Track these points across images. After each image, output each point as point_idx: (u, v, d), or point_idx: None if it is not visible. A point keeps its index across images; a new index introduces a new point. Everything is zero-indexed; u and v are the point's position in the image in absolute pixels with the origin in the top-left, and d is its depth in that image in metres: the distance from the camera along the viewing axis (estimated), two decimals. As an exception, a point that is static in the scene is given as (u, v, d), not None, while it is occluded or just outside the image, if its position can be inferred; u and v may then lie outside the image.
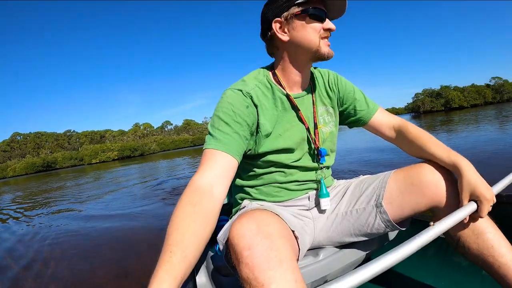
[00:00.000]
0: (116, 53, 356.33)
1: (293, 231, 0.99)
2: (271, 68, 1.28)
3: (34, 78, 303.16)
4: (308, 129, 1.25)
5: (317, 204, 1.31)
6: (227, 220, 1.25)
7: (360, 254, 1.27)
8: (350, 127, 1.45)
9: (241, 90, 1.14)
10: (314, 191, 1.30)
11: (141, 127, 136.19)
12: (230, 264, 0.97)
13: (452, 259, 1.54)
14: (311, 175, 1.28)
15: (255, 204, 1.23)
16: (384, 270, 0.70)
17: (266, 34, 1.21)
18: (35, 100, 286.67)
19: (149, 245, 3.37)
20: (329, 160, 1.33)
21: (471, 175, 1.02)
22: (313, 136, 1.26)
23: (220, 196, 0.97)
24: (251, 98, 1.14)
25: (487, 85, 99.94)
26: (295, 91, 1.25)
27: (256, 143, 1.18)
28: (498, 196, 1.12)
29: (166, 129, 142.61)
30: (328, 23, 1.15)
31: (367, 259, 1.33)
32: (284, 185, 1.25)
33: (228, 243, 0.90)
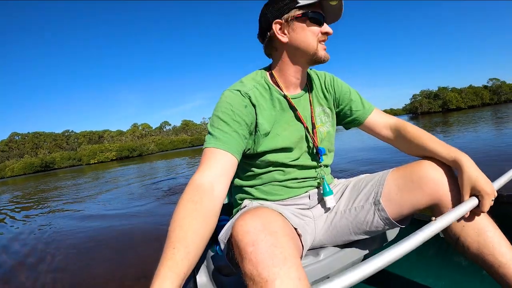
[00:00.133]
0: (114, 53, 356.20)
1: (295, 229, 0.99)
2: (269, 69, 1.30)
3: (33, 78, 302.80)
4: (306, 129, 1.27)
5: (318, 203, 1.32)
6: (228, 220, 1.25)
7: (361, 253, 1.27)
8: (347, 128, 1.46)
9: (239, 91, 1.17)
10: (314, 190, 1.31)
11: (140, 128, 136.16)
12: (233, 262, 0.97)
13: (452, 259, 1.53)
14: (310, 173, 1.29)
15: (256, 203, 1.24)
16: (387, 265, 0.69)
17: (265, 35, 1.23)
18: (33, 100, 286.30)
19: (148, 244, 3.40)
20: (327, 159, 1.35)
21: (472, 171, 1.02)
22: (311, 135, 1.28)
23: (220, 195, 0.98)
24: (249, 98, 1.16)
25: (485, 87, 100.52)
26: (292, 92, 1.28)
27: (254, 143, 1.19)
28: (498, 196, 1.10)
29: (164, 129, 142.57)
30: (326, 27, 1.18)
31: None
32: (283, 183, 1.25)
33: (231, 240, 0.91)
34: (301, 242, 1.01)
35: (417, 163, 1.16)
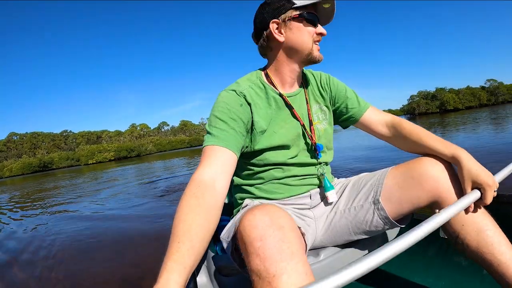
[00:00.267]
0: (113, 54, 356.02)
1: (299, 227, 0.98)
2: (264, 69, 1.33)
3: (31, 78, 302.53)
4: (303, 126, 1.28)
5: (319, 203, 1.32)
6: (228, 220, 1.25)
7: (361, 253, 1.27)
8: (343, 126, 1.47)
9: (234, 90, 1.19)
10: (316, 189, 1.31)
11: (138, 128, 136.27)
12: (236, 259, 0.99)
13: (452, 259, 1.54)
14: (310, 170, 1.30)
15: (257, 202, 1.25)
16: (390, 258, 0.69)
17: (261, 34, 1.25)
18: (31, 100, 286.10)
19: (148, 243, 3.43)
20: (326, 157, 1.36)
21: (471, 164, 1.03)
22: (309, 132, 1.29)
23: (222, 191, 0.98)
24: (245, 97, 1.18)
25: (482, 87, 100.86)
26: (288, 90, 1.30)
27: (251, 141, 1.21)
28: (499, 196, 1.10)
29: (162, 130, 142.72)
30: (320, 28, 1.22)
31: None
32: (282, 181, 1.26)
33: (236, 237, 0.92)
34: (305, 240, 1.00)
35: (417, 160, 1.17)
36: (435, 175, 1.09)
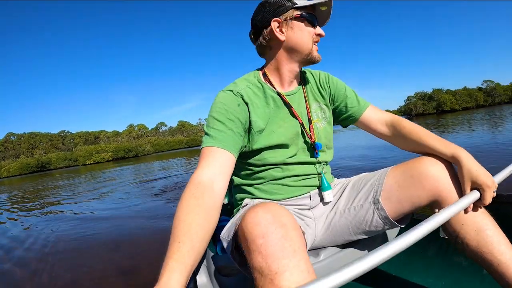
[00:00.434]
0: (111, 54, 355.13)
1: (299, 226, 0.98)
2: (261, 69, 1.33)
3: (29, 78, 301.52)
4: (302, 125, 1.27)
5: (319, 203, 1.32)
6: (228, 221, 1.24)
7: (361, 254, 1.26)
8: (343, 125, 1.47)
9: (231, 91, 1.20)
10: (315, 190, 1.30)
11: (136, 128, 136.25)
12: (237, 258, 0.99)
13: (452, 260, 1.54)
14: (309, 170, 1.29)
15: (257, 201, 1.25)
16: (391, 257, 0.68)
17: (260, 33, 1.25)
18: (29, 100, 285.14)
19: (145, 244, 3.43)
20: (326, 156, 1.35)
21: (471, 164, 1.03)
22: (308, 131, 1.28)
23: (220, 192, 1.00)
24: (242, 97, 1.19)
25: (479, 88, 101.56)
26: (286, 89, 1.29)
27: (250, 140, 1.21)
28: (498, 196, 1.12)
29: (160, 130, 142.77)
30: (319, 29, 1.24)
31: None
32: (282, 181, 1.25)
33: (237, 234, 0.93)
34: (305, 239, 1.00)
35: (417, 159, 1.17)
36: (435, 174, 1.09)
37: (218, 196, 0.98)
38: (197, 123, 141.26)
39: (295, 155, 1.26)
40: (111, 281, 2.53)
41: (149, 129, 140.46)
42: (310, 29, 1.21)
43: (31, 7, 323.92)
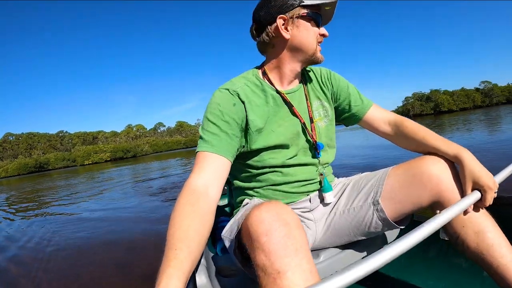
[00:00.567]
0: (110, 54, 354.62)
1: None
2: (261, 67, 1.30)
3: (27, 78, 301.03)
4: (303, 124, 1.24)
5: (319, 204, 1.30)
6: (228, 221, 1.22)
7: (361, 255, 1.27)
8: (346, 124, 1.45)
9: (227, 89, 1.17)
10: (315, 192, 1.28)
11: (134, 129, 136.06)
12: (239, 256, 0.99)
13: (452, 261, 1.54)
14: (310, 173, 1.26)
15: (257, 200, 1.23)
16: (391, 260, 0.68)
17: (263, 29, 1.21)
18: (27, 101, 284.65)
19: (144, 243, 3.44)
20: (328, 156, 1.32)
21: (473, 165, 1.02)
22: (309, 130, 1.25)
23: (215, 197, 1.00)
24: (238, 95, 1.16)
25: (477, 89, 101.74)
26: (286, 87, 1.26)
27: (248, 141, 1.18)
28: (499, 197, 1.11)
29: (158, 130, 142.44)
30: (324, 29, 1.22)
31: None
32: (281, 187, 1.23)
33: (240, 232, 0.93)
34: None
35: (419, 158, 1.15)
36: (437, 174, 1.08)
37: (212, 201, 0.99)
38: (195, 123, 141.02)
39: (295, 156, 1.23)
40: (110, 280, 2.56)
41: (148, 129, 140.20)
42: (315, 29, 1.19)
43: (31, 7, 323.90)
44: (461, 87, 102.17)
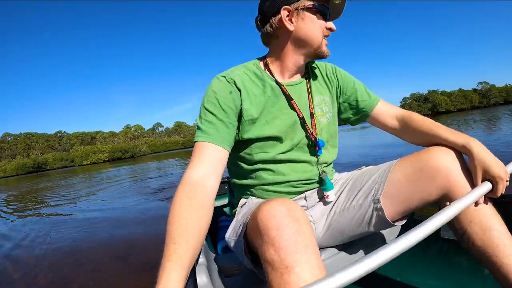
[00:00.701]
0: (108, 54, 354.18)
1: None
2: (263, 58, 1.27)
3: (26, 78, 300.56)
4: (302, 119, 1.20)
5: (316, 203, 1.26)
6: (228, 221, 1.25)
7: (362, 254, 1.25)
8: (353, 122, 1.41)
9: (224, 77, 1.16)
10: (311, 191, 1.25)
11: (132, 129, 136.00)
12: (250, 255, 0.96)
13: (453, 260, 1.52)
14: (305, 171, 1.22)
15: (255, 200, 1.22)
16: (394, 257, 0.67)
17: (268, 20, 1.18)
18: (26, 101, 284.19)
19: (143, 242, 3.44)
20: (329, 155, 1.28)
21: (483, 154, 0.98)
22: (309, 126, 1.21)
23: (213, 188, 1.00)
24: (235, 83, 1.14)
25: (474, 90, 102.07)
26: (287, 80, 1.23)
27: (239, 130, 1.16)
28: (505, 196, 1.09)
29: (157, 131, 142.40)
30: (331, 23, 1.18)
31: None
32: (273, 188, 1.21)
33: (248, 227, 0.92)
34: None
35: (426, 150, 1.09)
36: (446, 166, 1.02)
37: (210, 192, 0.98)
38: (193, 123, 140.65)
39: (289, 151, 1.19)
40: (110, 280, 2.55)
41: (146, 129, 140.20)
42: (322, 22, 1.15)
43: (31, 7, 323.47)
44: (459, 87, 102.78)
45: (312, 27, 1.14)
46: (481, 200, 1.00)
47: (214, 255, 1.37)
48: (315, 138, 1.21)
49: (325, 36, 1.18)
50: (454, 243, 1.32)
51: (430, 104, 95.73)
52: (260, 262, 0.81)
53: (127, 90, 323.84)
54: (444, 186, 1.02)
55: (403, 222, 1.17)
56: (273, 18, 1.15)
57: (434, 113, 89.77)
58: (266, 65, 1.24)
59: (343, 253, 1.23)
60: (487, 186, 0.96)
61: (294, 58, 1.20)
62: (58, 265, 3.06)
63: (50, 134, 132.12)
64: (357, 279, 0.61)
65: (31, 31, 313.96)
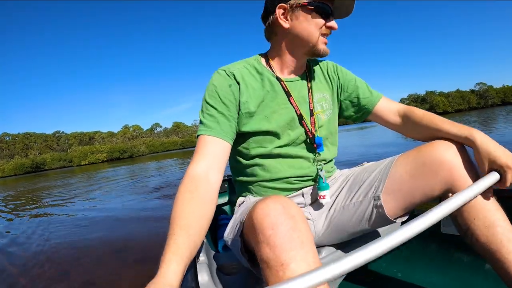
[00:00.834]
0: (106, 54, 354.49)
1: None
2: (265, 54, 1.28)
3: (25, 78, 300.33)
4: (301, 115, 1.20)
5: (315, 200, 1.25)
6: (228, 219, 1.27)
7: None
8: (355, 120, 1.40)
9: (224, 70, 1.17)
10: (308, 188, 1.24)
11: (131, 129, 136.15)
12: (247, 255, 0.97)
13: (454, 256, 1.52)
14: (302, 168, 1.21)
15: (253, 198, 1.22)
16: (394, 247, 0.66)
17: (268, 17, 1.19)
18: (24, 101, 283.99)
19: (143, 242, 3.39)
20: (328, 152, 1.27)
21: (488, 144, 0.95)
22: (308, 123, 1.21)
23: (216, 181, 1.00)
24: (234, 76, 1.15)
25: (472, 91, 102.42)
26: (287, 76, 1.24)
27: (238, 123, 1.16)
28: (510, 191, 1.08)
29: (155, 131, 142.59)
30: (332, 22, 1.15)
31: None
32: (271, 184, 1.21)
33: (245, 227, 0.93)
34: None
35: (429, 144, 1.07)
36: (449, 160, 0.99)
37: (213, 186, 0.99)
38: (192, 124, 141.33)
39: (285, 146, 1.19)
40: (110, 279, 2.53)
41: (144, 130, 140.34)
42: (319, 20, 1.12)
43: (31, 7, 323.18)
44: (457, 88, 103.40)
45: (306, 25, 1.12)
46: (490, 192, 0.97)
47: (215, 253, 1.38)
48: (313, 135, 1.20)
49: (324, 35, 1.16)
50: (455, 239, 1.32)
51: (427, 105, 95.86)
52: (257, 261, 0.81)
53: (126, 90, 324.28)
54: (448, 180, 1.00)
55: (404, 219, 1.15)
56: (271, 16, 1.17)
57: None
58: (267, 61, 1.24)
59: (342, 251, 1.22)
60: (494, 177, 0.92)
61: (291, 55, 1.20)
62: (56, 262, 3.08)
63: (48, 134, 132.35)
64: (353, 269, 0.60)
65: (31, 31, 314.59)
